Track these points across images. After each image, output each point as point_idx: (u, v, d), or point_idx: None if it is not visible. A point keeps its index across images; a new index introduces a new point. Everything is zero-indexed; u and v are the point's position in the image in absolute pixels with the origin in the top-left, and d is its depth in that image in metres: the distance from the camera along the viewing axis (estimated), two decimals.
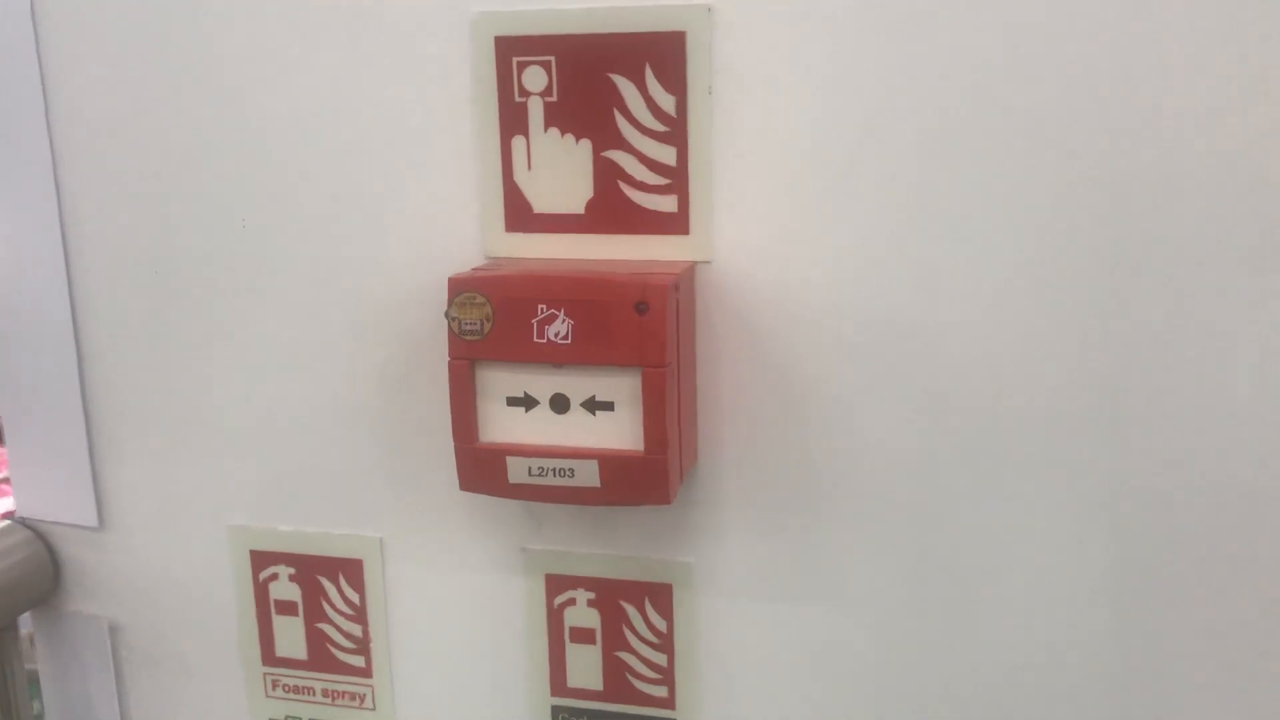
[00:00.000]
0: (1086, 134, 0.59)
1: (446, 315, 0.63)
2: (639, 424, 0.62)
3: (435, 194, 0.69)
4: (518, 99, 0.66)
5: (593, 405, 0.63)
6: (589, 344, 0.61)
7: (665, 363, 0.61)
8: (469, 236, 0.69)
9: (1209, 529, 0.63)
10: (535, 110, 0.66)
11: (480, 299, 0.62)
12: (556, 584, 0.73)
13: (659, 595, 0.72)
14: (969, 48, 0.60)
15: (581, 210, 0.67)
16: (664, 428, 0.61)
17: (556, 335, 0.61)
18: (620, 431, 0.63)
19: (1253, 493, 0.62)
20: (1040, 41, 0.59)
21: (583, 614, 0.74)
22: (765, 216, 0.65)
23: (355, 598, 0.78)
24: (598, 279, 0.61)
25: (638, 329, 0.60)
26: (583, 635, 0.74)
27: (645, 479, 0.62)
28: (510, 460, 0.64)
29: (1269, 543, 0.62)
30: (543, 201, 0.67)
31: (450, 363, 0.63)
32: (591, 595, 0.73)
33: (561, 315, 0.61)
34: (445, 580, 0.76)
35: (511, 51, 0.65)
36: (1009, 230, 0.62)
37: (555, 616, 0.74)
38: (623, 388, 0.62)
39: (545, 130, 0.66)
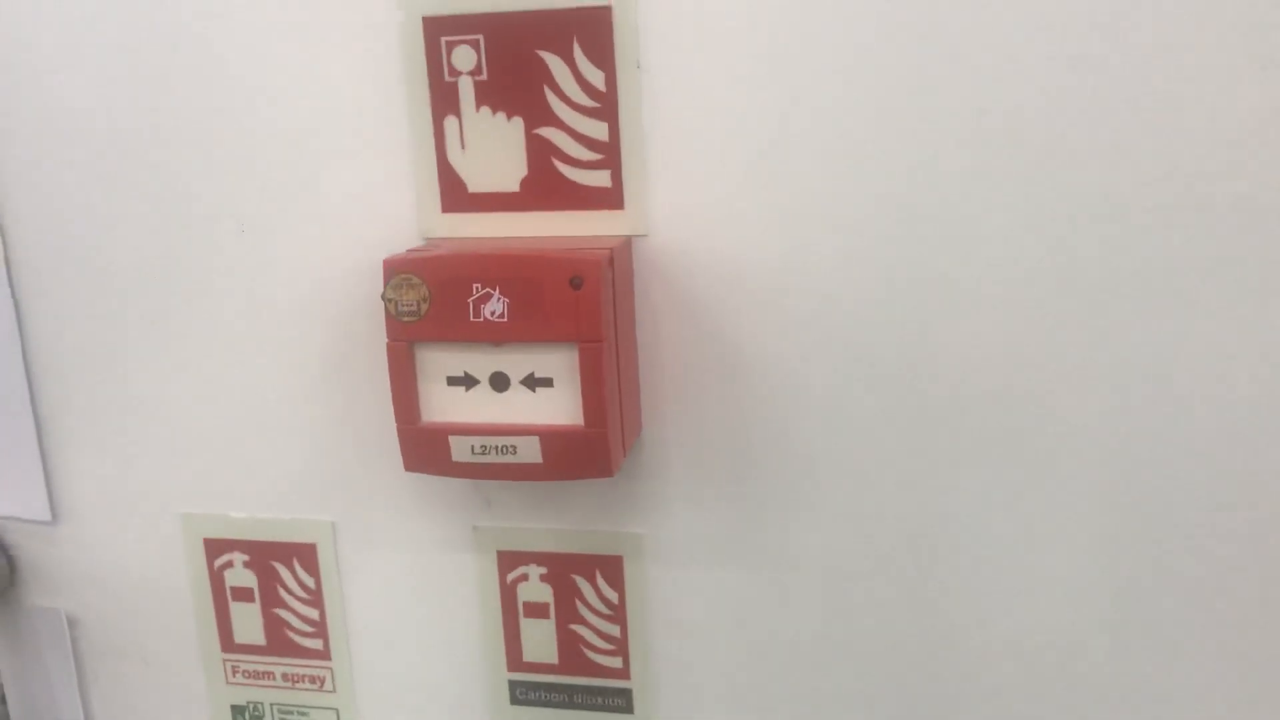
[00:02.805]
0: (1019, 98, 0.60)
1: (383, 297, 0.63)
2: (578, 399, 0.62)
3: (370, 177, 0.69)
4: (448, 79, 0.66)
5: (532, 382, 0.63)
6: (526, 321, 0.61)
7: (602, 337, 0.61)
8: (405, 219, 0.69)
9: (1169, 483, 0.64)
10: (466, 89, 0.66)
11: (416, 280, 0.62)
12: (508, 560, 0.74)
13: (610, 567, 0.73)
14: (900, 11, 0.60)
15: (517, 188, 0.67)
16: (603, 401, 0.62)
17: (493, 314, 0.62)
18: (560, 407, 0.63)
19: (1209, 464, 0.63)
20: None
21: (536, 589, 0.74)
22: (700, 188, 0.65)
23: (310, 581, 0.78)
24: (531, 256, 0.62)
25: (573, 304, 0.61)
26: (536, 610, 0.75)
27: (587, 453, 0.63)
28: (453, 439, 0.64)
29: (1238, 521, 0.63)
30: (477, 181, 0.67)
31: (389, 345, 0.64)
32: (543, 570, 0.74)
33: (497, 294, 0.61)
34: (398, 561, 0.76)
35: (440, 31, 0.65)
36: (945, 195, 0.62)
37: (509, 592, 0.75)
38: (561, 363, 0.62)
39: (477, 109, 0.66)
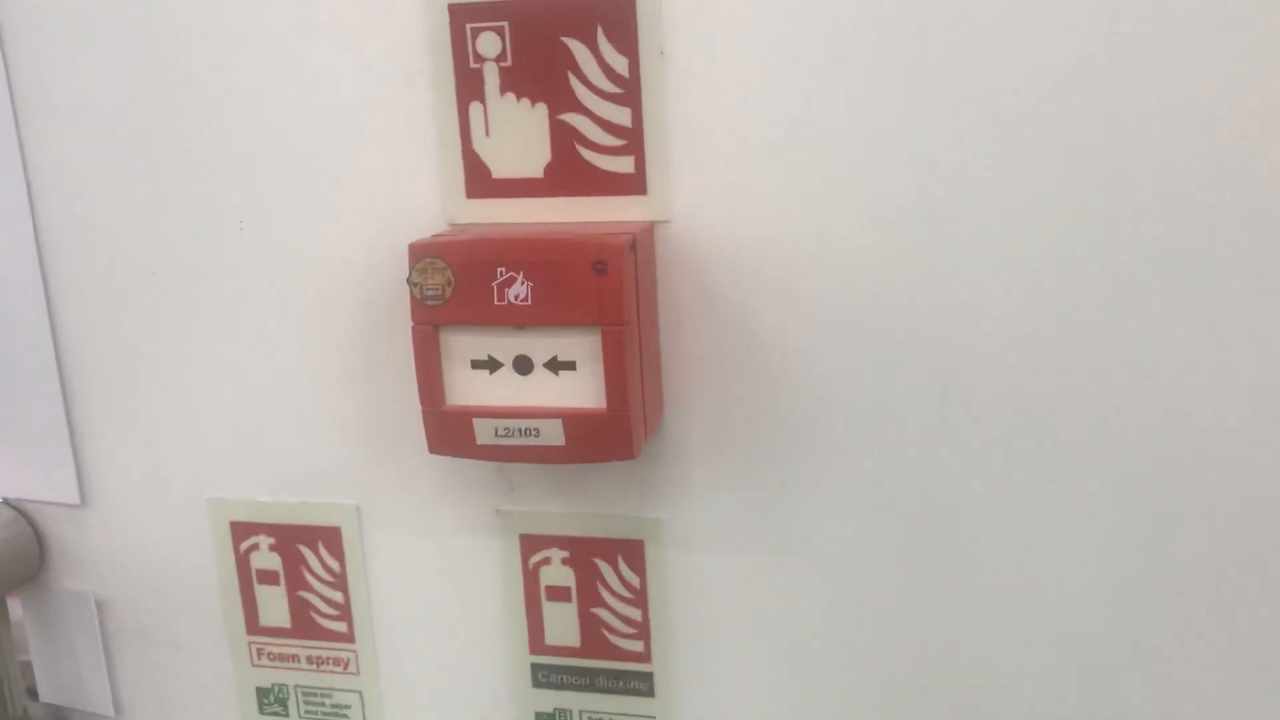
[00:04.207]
0: (1042, 87, 0.60)
1: (408, 281, 0.64)
2: (601, 382, 0.63)
3: (396, 164, 0.70)
4: (473, 65, 0.67)
5: (555, 365, 0.64)
6: (549, 305, 0.62)
7: (624, 321, 0.62)
8: (430, 205, 0.70)
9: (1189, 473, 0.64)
10: (491, 76, 0.67)
11: (441, 264, 0.63)
12: (531, 544, 0.75)
13: (631, 551, 0.73)
14: (924, 0, 0.61)
15: (540, 174, 0.68)
16: (625, 385, 0.62)
17: (517, 297, 0.62)
18: (583, 390, 0.64)
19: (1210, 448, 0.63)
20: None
21: (558, 572, 0.75)
22: (722, 174, 0.65)
23: (335, 565, 0.79)
24: (555, 241, 0.62)
25: (596, 289, 0.61)
26: (558, 594, 0.75)
27: (609, 436, 0.64)
28: (477, 422, 0.65)
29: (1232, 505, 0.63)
30: (502, 167, 0.68)
31: (414, 328, 0.64)
32: (565, 554, 0.74)
33: (521, 277, 0.62)
34: (422, 544, 0.77)
35: (465, 18, 0.66)
36: (968, 181, 0.62)
37: (531, 576, 0.75)
38: (584, 347, 0.63)
39: (501, 96, 0.67)
